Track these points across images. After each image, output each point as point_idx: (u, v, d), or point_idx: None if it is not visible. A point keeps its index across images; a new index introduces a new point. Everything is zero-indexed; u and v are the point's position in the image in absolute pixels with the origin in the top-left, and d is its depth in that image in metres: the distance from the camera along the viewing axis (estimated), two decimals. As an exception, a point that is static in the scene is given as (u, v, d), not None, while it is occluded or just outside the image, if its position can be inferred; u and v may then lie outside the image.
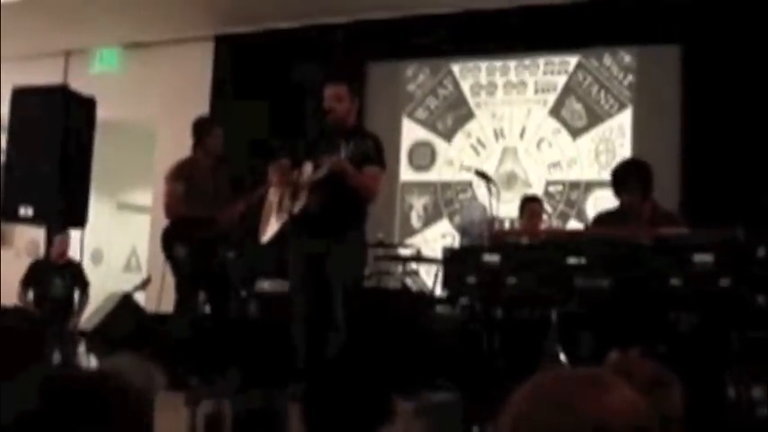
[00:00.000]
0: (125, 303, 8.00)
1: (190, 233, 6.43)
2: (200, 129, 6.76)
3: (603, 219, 5.86)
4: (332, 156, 5.44)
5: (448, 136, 8.95)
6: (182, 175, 6.62)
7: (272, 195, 5.86)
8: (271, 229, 5.74)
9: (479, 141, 8.82)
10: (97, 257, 10.71)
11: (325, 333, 5.40)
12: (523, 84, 8.72)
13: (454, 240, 7.76)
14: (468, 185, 8.70)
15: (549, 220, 8.06)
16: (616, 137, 8.28)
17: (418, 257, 7.53)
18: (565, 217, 8.37)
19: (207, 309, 6.66)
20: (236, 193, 6.65)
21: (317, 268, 5.49)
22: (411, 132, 9.10)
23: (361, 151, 5.46)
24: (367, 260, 6.25)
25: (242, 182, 6.84)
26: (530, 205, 7.20)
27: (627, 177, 5.55)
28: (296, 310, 5.60)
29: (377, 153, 5.62)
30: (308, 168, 5.58)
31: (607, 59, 8.39)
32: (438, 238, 8.64)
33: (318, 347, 5.37)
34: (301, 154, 5.75)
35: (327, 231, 5.46)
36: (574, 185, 8.39)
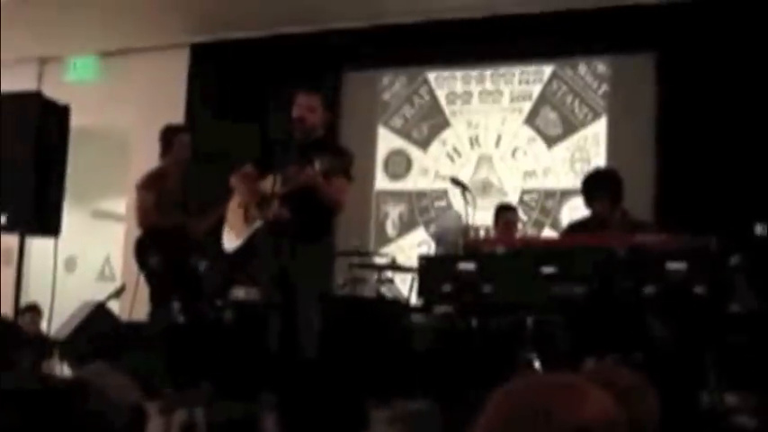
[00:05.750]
0: (99, 312, 7.95)
1: (162, 243, 6.42)
2: (167, 136, 6.77)
3: (575, 228, 5.91)
4: (303, 167, 5.42)
5: (423, 144, 8.96)
6: (152, 185, 6.62)
7: (235, 203, 5.84)
8: (238, 236, 5.73)
9: (455, 150, 8.83)
10: (71, 265, 10.64)
11: (297, 341, 5.39)
12: (499, 92, 8.74)
13: (430, 249, 7.78)
14: (443, 194, 8.71)
15: (524, 228, 8.08)
16: (591, 146, 8.31)
17: (393, 266, 7.53)
18: (540, 225, 8.39)
19: (181, 318, 6.64)
20: (209, 201, 6.64)
21: (286, 277, 5.49)
22: (386, 141, 9.10)
23: (332, 164, 5.44)
24: (333, 268, 6.27)
25: (214, 190, 6.83)
26: (504, 214, 7.21)
27: (596, 187, 5.62)
28: (269, 317, 5.59)
29: (348, 167, 5.61)
30: (276, 178, 5.55)
31: (581, 68, 8.43)
32: (413, 246, 8.64)
33: (292, 355, 5.36)
34: (267, 162, 5.72)
35: (296, 241, 5.46)
36: (549, 194, 8.42)
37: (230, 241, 5.78)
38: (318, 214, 5.54)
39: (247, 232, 5.67)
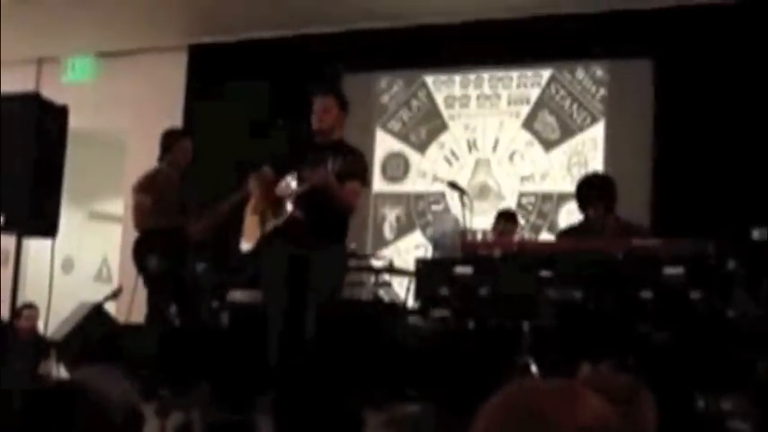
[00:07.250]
0: (96, 313, 7.94)
1: (160, 245, 6.42)
2: (168, 140, 6.77)
3: (567, 233, 5.91)
4: (318, 169, 5.41)
5: (421, 147, 8.96)
6: (148, 188, 6.62)
7: (251, 205, 5.83)
8: (253, 238, 5.72)
9: (453, 153, 8.83)
10: (68, 266, 10.64)
11: (298, 343, 5.38)
12: (497, 96, 8.74)
13: (427, 252, 7.77)
14: (441, 197, 8.71)
15: (521, 232, 8.08)
16: (588, 150, 8.32)
17: (391, 269, 7.52)
18: (537, 229, 8.39)
19: (177, 320, 6.64)
20: (206, 204, 6.65)
21: (296, 279, 5.47)
22: (384, 144, 9.11)
23: (347, 167, 5.43)
24: (346, 273, 6.21)
25: (213, 192, 6.84)
26: (503, 223, 7.17)
27: (589, 192, 5.62)
28: (271, 318, 5.57)
29: (362, 170, 5.61)
30: (292, 180, 5.55)
31: (580, 73, 8.43)
32: (411, 249, 8.64)
33: (290, 358, 5.35)
34: (284, 164, 5.71)
35: (310, 243, 5.44)
36: (546, 197, 8.42)
37: (246, 243, 5.78)
38: (332, 217, 5.51)
39: (262, 234, 5.67)
